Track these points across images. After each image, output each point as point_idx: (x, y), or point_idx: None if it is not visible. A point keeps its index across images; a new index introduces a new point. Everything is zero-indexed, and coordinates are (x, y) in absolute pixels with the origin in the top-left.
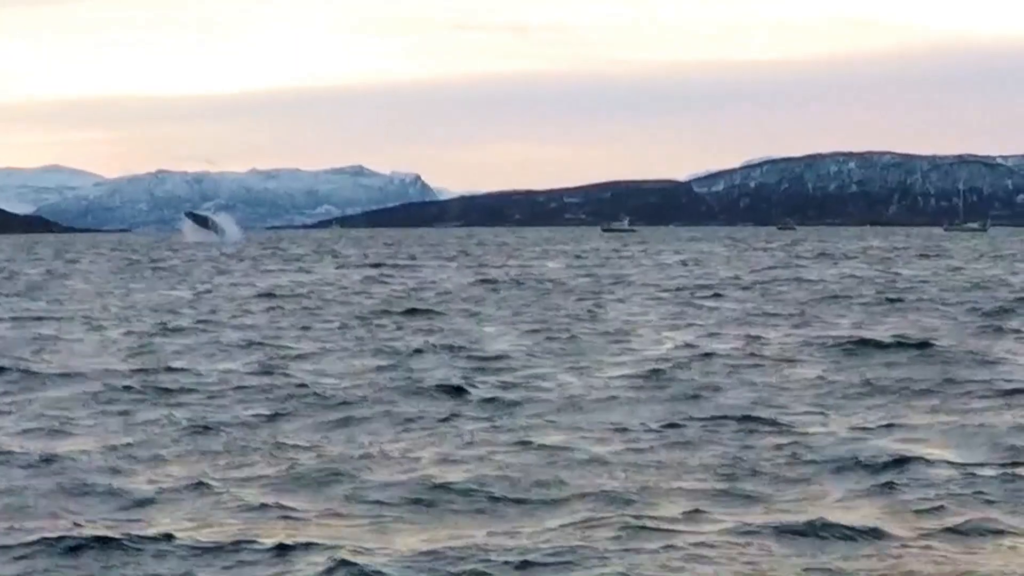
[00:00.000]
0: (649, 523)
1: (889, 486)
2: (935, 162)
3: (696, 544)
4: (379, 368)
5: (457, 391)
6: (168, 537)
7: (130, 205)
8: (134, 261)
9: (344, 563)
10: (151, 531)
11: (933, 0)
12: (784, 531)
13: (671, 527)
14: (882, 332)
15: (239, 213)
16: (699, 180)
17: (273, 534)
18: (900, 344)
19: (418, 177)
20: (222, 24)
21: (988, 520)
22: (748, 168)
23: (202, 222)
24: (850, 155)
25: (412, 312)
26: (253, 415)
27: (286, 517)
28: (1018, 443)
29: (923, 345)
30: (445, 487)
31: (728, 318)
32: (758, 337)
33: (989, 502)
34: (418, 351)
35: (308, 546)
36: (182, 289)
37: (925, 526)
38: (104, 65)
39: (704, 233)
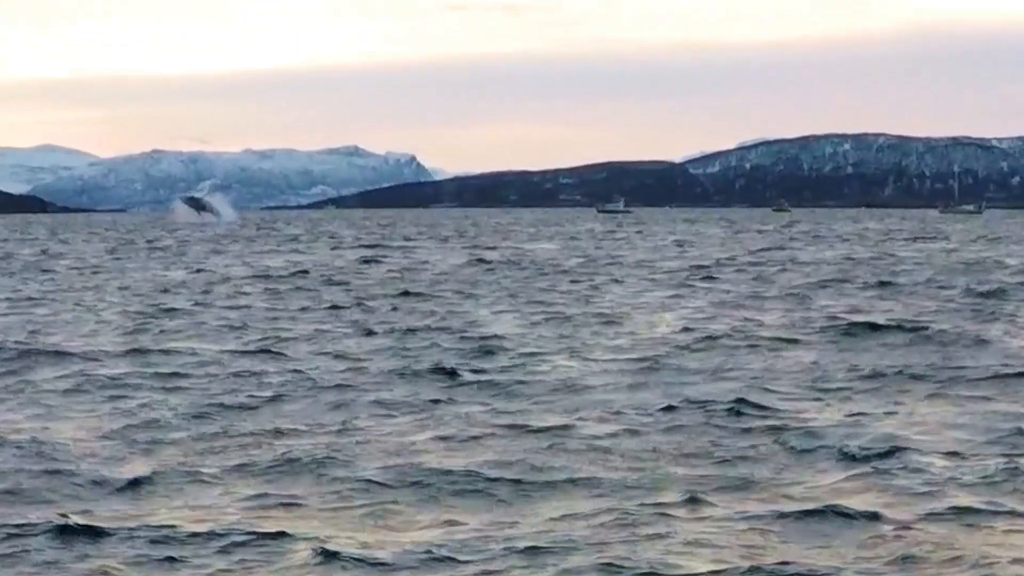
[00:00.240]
0: (647, 509)
1: (886, 471)
2: (930, 144)
3: (694, 530)
4: (373, 351)
5: (452, 374)
6: (158, 525)
7: (125, 185)
8: (128, 242)
9: (337, 551)
10: (142, 518)
11: None
12: (782, 516)
13: (669, 512)
14: (878, 315)
15: (234, 193)
16: (694, 161)
17: (267, 521)
18: (896, 327)
19: (413, 157)
20: (217, 4)
21: (986, 504)
22: (743, 149)
23: (197, 205)
24: (845, 137)
25: (406, 294)
26: (247, 398)
27: (281, 504)
28: (1016, 427)
29: (919, 328)
30: (440, 472)
31: (723, 300)
32: (753, 320)
33: (987, 486)
34: (411, 332)
35: (300, 534)
36: (176, 270)
37: (924, 511)
38: (99, 44)
39: (699, 214)
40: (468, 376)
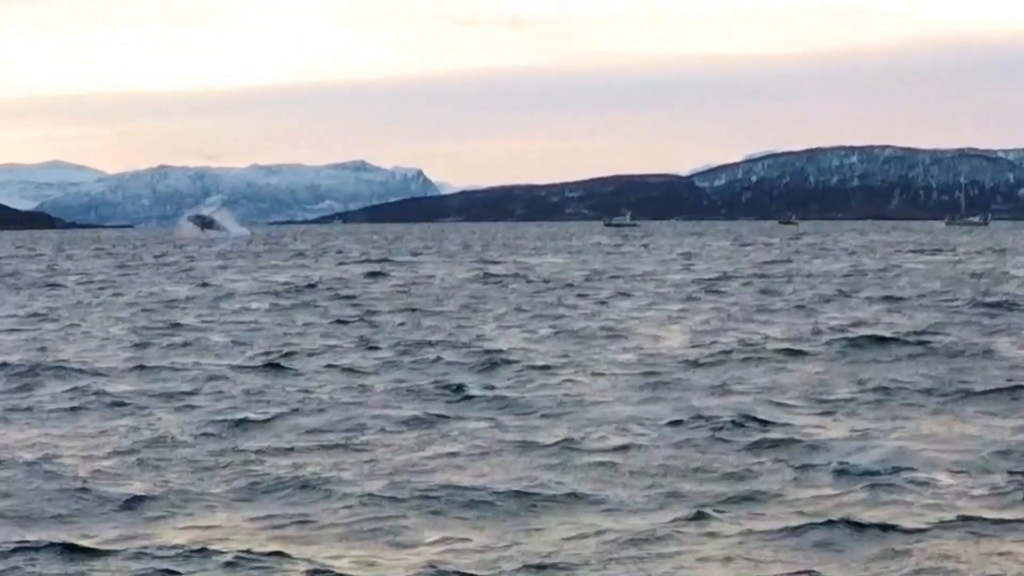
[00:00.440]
0: (656, 524)
1: (893, 486)
2: (936, 156)
3: (703, 545)
4: (380, 365)
5: (458, 389)
6: (163, 545)
7: (132, 201)
8: (135, 257)
9: (342, 572)
10: (147, 537)
11: None
12: (792, 531)
13: (677, 528)
14: (884, 328)
15: (241, 208)
16: (701, 174)
17: (274, 540)
18: (903, 340)
19: (420, 172)
20: (224, 19)
21: (994, 519)
22: (750, 162)
23: (203, 223)
24: (851, 149)
25: (413, 309)
26: (253, 415)
27: (288, 523)
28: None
29: (925, 341)
30: (447, 488)
31: (730, 314)
32: (760, 333)
33: (995, 501)
34: (418, 346)
35: (307, 553)
36: (183, 285)
37: (932, 525)
38: (106, 61)
39: (706, 228)
40: (475, 391)
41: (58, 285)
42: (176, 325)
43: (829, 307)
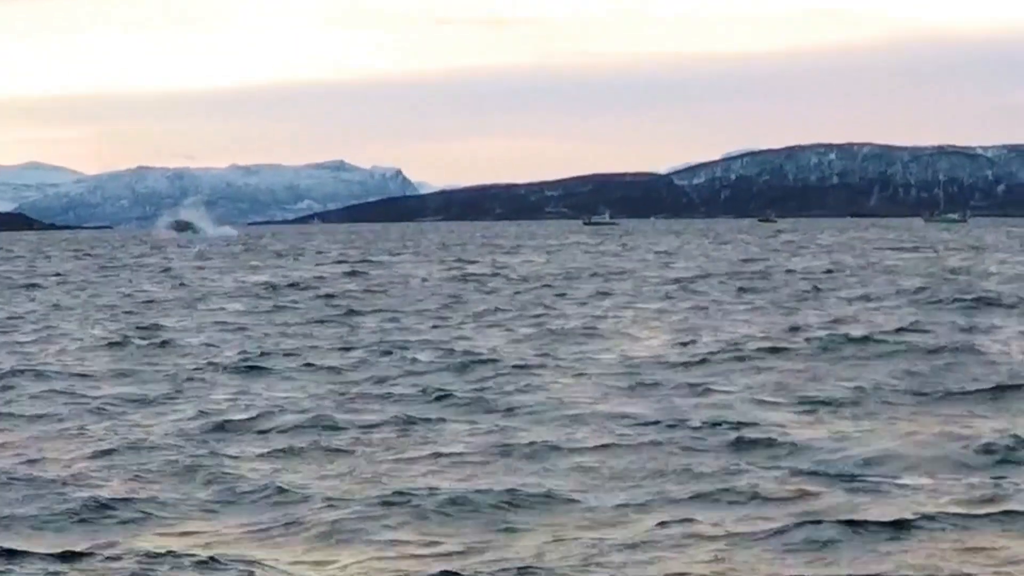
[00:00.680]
0: (638, 526)
1: (875, 485)
2: (915, 153)
3: (686, 547)
4: (358, 366)
5: (437, 390)
6: (143, 551)
7: (112, 202)
8: (113, 259)
9: None
10: (125, 544)
11: None
12: (774, 534)
13: (661, 531)
14: (864, 326)
15: (220, 209)
16: (679, 173)
17: (252, 546)
18: (883, 339)
19: (399, 171)
20: (201, 20)
21: (975, 518)
22: (728, 160)
23: (180, 227)
24: (830, 146)
25: (391, 310)
26: (232, 418)
27: (264, 528)
28: (1004, 442)
29: (906, 339)
30: (427, 492)
31: (709, 313)
32: (740, 333)
33: (976, 502)
34: (397, 347)
35: (279, 560)
36: (161, 286)
37: (915, 525)
38: (83, 62)
39: (685, 226)
40: (453, 392)
41: (36, 287)
42: (154, 327)
43: (808, 305)
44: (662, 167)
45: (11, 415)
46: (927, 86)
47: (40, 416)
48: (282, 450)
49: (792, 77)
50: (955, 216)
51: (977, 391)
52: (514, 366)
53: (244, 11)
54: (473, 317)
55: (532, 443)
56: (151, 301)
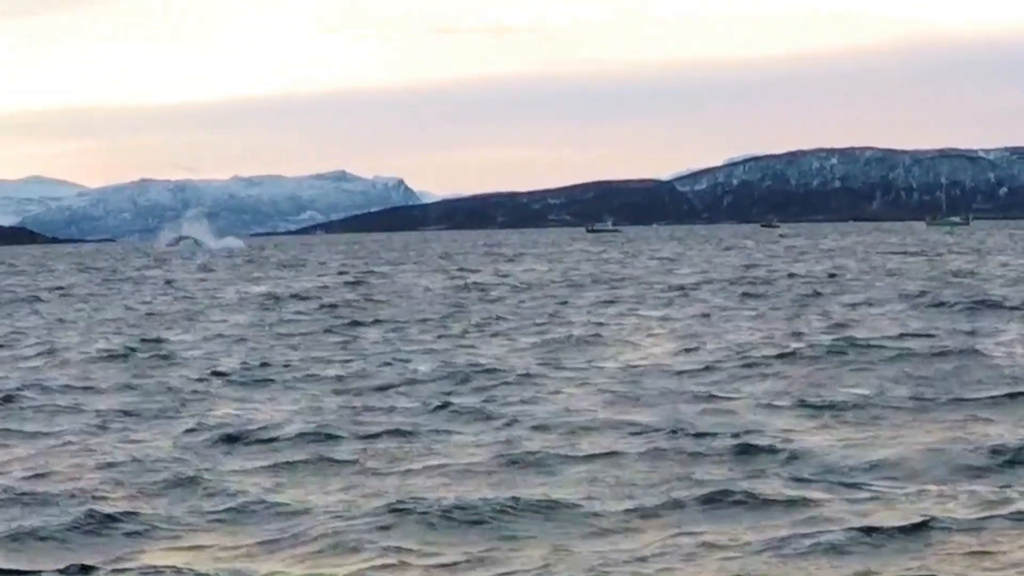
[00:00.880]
0: (646, 537)
1: (882, 492)
2: (917, 156)
3: (695, 558)
4: (361, 377)
5: (441, 401)
6: (144, 567)
7: (114, 215)
8: (114, 271)
9: None
10: (128, 559)
11: None
12: (782, 542)
13: (668, 541)
14: (868, 331)
15: (223, 220)
16: (682, 179)
17: (251, 560)
18: (887, 344)
19: (401, 181)
20: (202, 32)
21: (987, 525)
22: (730, 166)
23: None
24: (832, 151)
25: (394, 320)
26: (235, 431)
27: (268, 541)
28: (1012, 446)
29: (910, 344)
30: (433, 503)
31: (713, 320)
32: (745, 340)
33: (984, 506)
34: (399, 359)
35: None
36: (164, 299)
37: (922, 532)
38: (84, 75)
39: (687, 232)
40: (457, 402)
41: (39, 300)
42: (156, 340)
43: (811, 310)
44: (664, 174)
45: (15, 430)
46: (928, 89)
47: (43, 430)
48: (285, 462)
49: (793, 81)
50: (957, 219)
51: (982, 395)
52: (518, 375)
53: (245, 23)
54: (476, 326)
55: (537, 452)
56: (154, 314)
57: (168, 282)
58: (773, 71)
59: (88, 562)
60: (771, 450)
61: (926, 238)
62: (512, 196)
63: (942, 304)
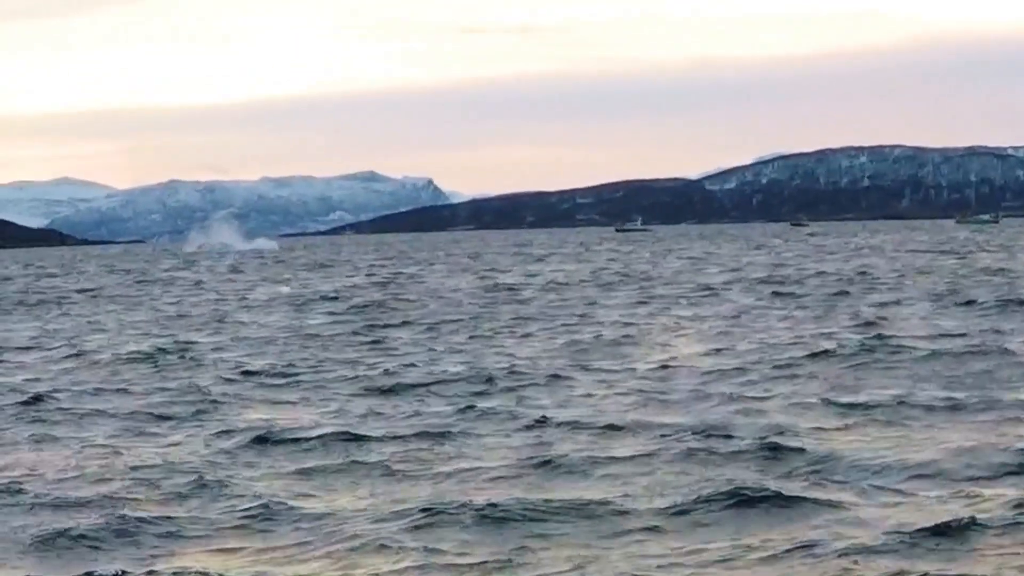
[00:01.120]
0: (676, 540)
1: (916, 494)
2: (946, 154)
3: (728, 561)
4: (391, 378)
5: (474, 404)
6: (167, 571)
7: (143, 216)
8: (143, 272)
9: None
10: (156, 564)
11: None
12: (814, 545)
13: (701, 544)
14: (901, 330)
15: (252, 221)
16: (711, 178)
17: (280, 565)
18: (920, 344)
19: (430, 181)
20: (231, 33)
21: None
22: (759, 164)
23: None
24: (861, 149)
25: (424, 320)
26: (262, 433)
27: (292, 545)
28: None
29: (944, 344)
30: (461, 505)
31: (744, 319)
32: (776, 340)
33: (1018, 508)
34: (431, 359)
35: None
36: (194, 300)
37: (957, 534)
38: (113, 77)
39: (717, 231)
40: (487, 404)
41: (69, 302)
42: (185, 342)
43: (842, 310)
44: (693, 172)
45: (46, 432)
46: (958, 87)
47: (74, 433)
48: (315, 465)
49: (822, 80)
50: (987, 217)
51: (1014, 395)
52: (548, 376)
53: (274, 24)
54: (506, 327)
55: (567, 454)
56: (183, 316)
57: (197, 283)
58: (802, 69)
59: (119, 566)
60: (802, 451)
61: (955, 236)
62: (541, 196)
63: (972, 303)
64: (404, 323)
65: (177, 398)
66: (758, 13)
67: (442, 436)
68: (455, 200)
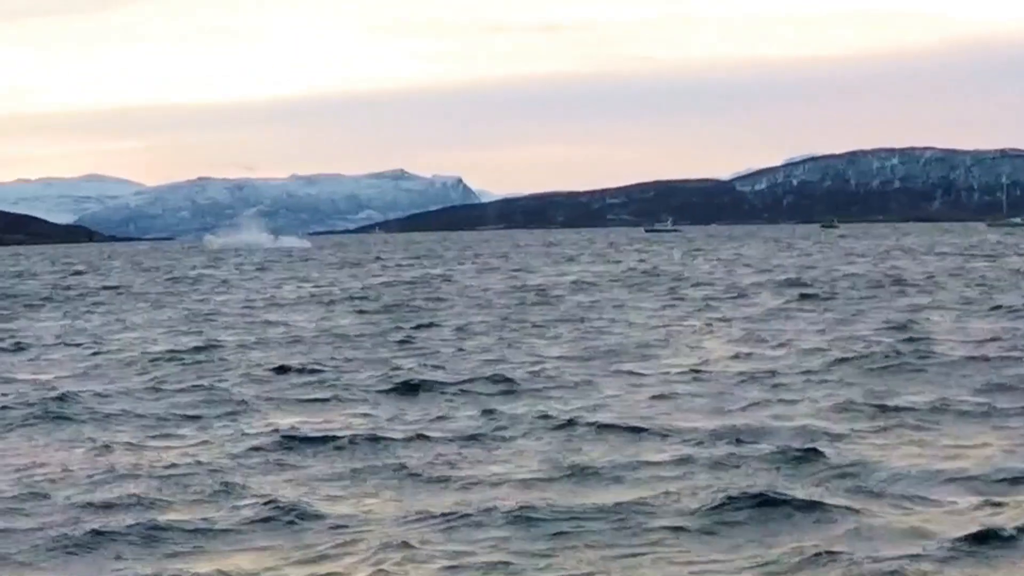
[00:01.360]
0: (706, 548)
1: (946, 505)
2: (978, 156)
3: (754, 567)
4: (419, 379)
5: (503, 406)
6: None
7: (172, 213)
8: (170, 270)
9: None
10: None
11: None
12: (846, 554)
13: (729, 549)
14: (931, 334)
15: (281, 219)
16: (742, 178)
17: (309, 570)
18: (952, 351)
19: (459, 180)
20: (261, 30)
21: None
22: (790, 166)
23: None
24: (892, 151)
25: (453, 322)
26: (290, 434)
27: (322, 549)
28: None
29: (975, 348)
30: (489, 510)
31: (774, 322)
32: (807, 343)
33: None
34: (461, 360)
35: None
36: (222, 298)
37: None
38: (142, 74)
39: (747, 232)
40: (517, 406)
41: (96, 299)
42: (213, 341)
43: (872, 313)
44: (724, 173)
45: (72, 433)
46: (989, 89)
47: (101, 433)
48: (343, 466)
49: (853, 81)
50: (1019, 220)
51: None
52: (577, 378)
53: (302, 22)
54: (535, 328)
55: (596, 457)
56: (211, 314)
57: (225, 281)
58: (833, 70)
59: (147, 569)
60: (832, 457)
61: (987, 239)
62: (571, 195)
63: (1005, 307)
64: (433, 323)
65: (205, 398)
66: (790, 13)
67: (470, 438)
68: (484, 199)
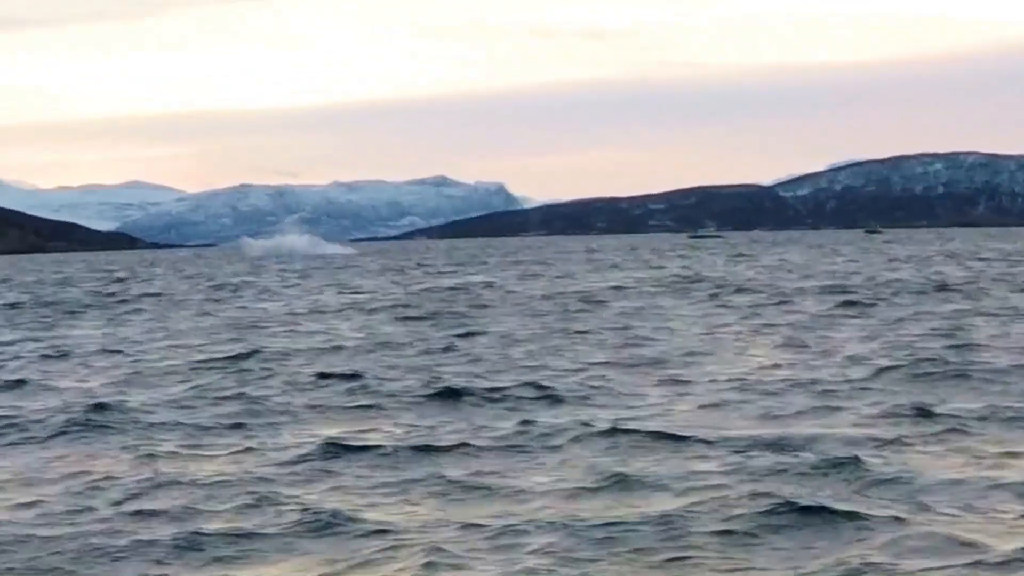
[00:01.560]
0: (743, 562)
1: (991, 517)
2: (1022, 161)
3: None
4: (463, 389)
5: (547, 416)
6: None
7: (213, 219)
8: (210, 277)
9: None
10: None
11: None
12: (883, 567)
13: (767, 563)
14: (978, 341)
15: (323, 226)
16: (784, 184)
17: None
18: (995, 360)
19: (501, 186)
20: (301, 37)
21: None
22: (833, 171)
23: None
24: (936, 156)
25: (497, 330)
26: (333, 445)
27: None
28: None
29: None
30: (533, 521)
31: (820, 330)
32: (855, 351)
33: None
34: (505, 369)
35: None
36: (264, 305)
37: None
38: (184, 80)
39: (790, 238)
40: (560, 416)
41: (137, 306)
42: (257, 348)
43: (917, 319)
44: (767, 179)
45: (114, 442)
46: None
47: (144, 442)
48: (387, 476)
49: (896, 86)
50: None
51: None
52: (620, 386)
53: (344, 28)
54: (578, 334)
55: (639, 467)
56: (253, 321)
57: (266, 288)
58: (876, 75)
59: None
60: (876, 466)
61: None
62: (612, 201)
63: None
64: (475, 330)
65: (248, 406)
66: (833, 18)
67: (513, 447)
68: (526, 205)
